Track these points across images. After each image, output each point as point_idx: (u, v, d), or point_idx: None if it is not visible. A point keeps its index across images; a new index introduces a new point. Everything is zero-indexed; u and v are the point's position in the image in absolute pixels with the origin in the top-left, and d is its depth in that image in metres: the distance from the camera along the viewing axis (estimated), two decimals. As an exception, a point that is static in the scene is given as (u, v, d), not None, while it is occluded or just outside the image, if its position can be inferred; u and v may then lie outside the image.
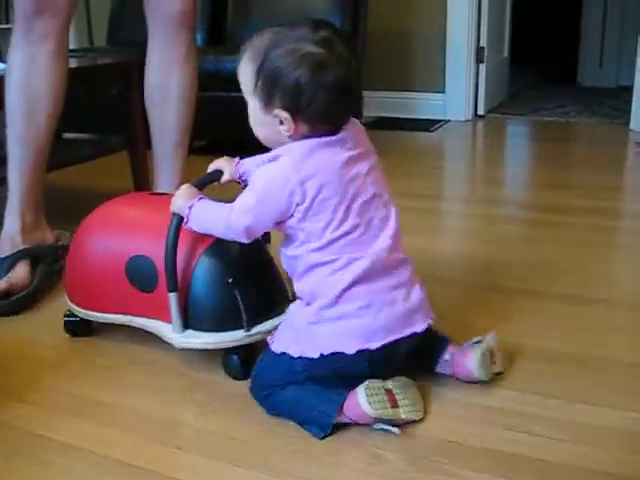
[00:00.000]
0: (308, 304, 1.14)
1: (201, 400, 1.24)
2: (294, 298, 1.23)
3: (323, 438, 1.11)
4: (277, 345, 1.17)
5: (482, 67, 3.94)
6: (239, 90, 1.15)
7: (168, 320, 1.29)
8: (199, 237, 1.27)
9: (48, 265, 1.71)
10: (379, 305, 1.11)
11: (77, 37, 4.33)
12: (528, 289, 1.67)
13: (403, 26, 3.91)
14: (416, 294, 1.17)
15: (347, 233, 1.10)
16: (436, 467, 1.05)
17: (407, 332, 1.13)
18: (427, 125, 3.77)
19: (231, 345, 1.28)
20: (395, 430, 1.10)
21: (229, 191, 1.28)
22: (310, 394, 1.14)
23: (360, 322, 1.11)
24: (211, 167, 1.32)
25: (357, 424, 1.13)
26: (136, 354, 1.42)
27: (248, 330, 1.26)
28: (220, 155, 1.35)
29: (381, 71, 3.88)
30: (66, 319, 1.47)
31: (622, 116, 3.75)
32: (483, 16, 3.86)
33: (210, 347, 1.28)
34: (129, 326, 1.38)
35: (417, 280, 1.20)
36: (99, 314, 1.40)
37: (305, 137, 1.10)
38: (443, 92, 3.94)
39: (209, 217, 1.19)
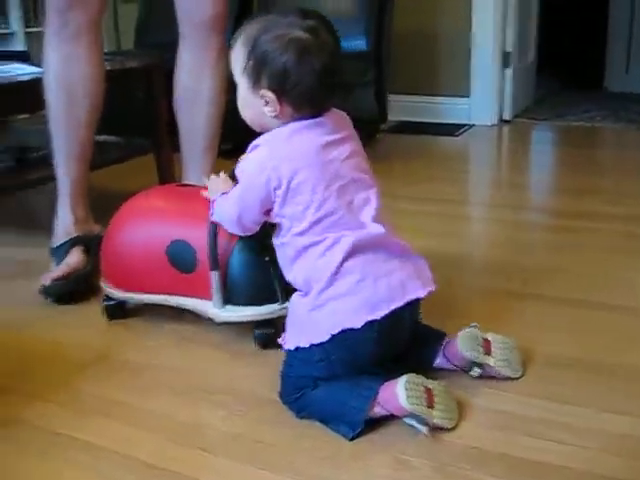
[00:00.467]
0: (306, 294, 1.17)
1: (227, 403, 1.24)
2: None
3: (352, 439, 1.11)
4: (289, 343, 1.19)
5: (508, 72, 3.92)
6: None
7: (208, 297, 1.40)
8: None
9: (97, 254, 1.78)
10: (375, 277, 1.14)
11: (105, 40, 4.37)
12: (549, 295, 1.66)
13: (428, 30, 3.90)
14: (412, 263, 1.20)
15: (329, 214, 1.14)
16: (461, 474, 1.04)
17: (408, 298, 1.16)
18: (452, 130, 3.76)
19: (267, 317, 1.40)
20: (424, 429, 1.10)
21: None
22: (340, 391, 1.15)
23: (361, 295, 1.13)
24: None
25: (384, 427, 1.13)
26: (162, 357, 1.43)
27: (282, 303, 1.36)
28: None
29: (406, 75, 3.87)
30: (105, 304, 1.57)
31: (649, 122, 3.72)
32: (509, 20, 3.83)
33: (247, 319, 1.41)
34: (162, 306, 1.49)
35: (411, 250, 1.22)
36: (137, 295, 1.51)
37: (289, 119, 1.16)
38: (468, 96, 3.92)
39: (225, 209, 1.27)
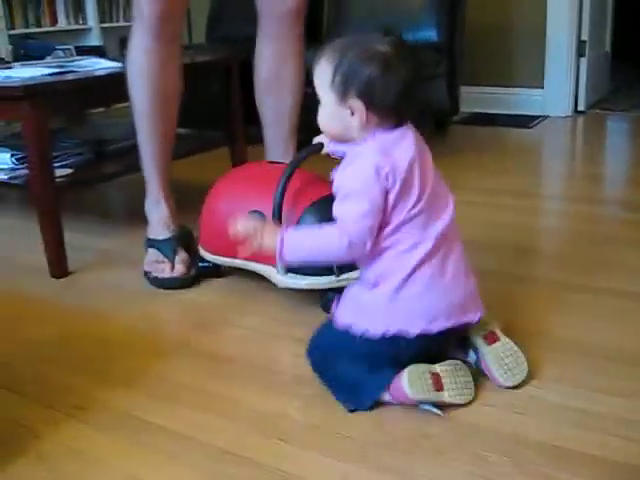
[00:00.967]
0: (374, 285, 1.18)
1: (305, 395, 1.25)
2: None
3: (352, 411, 1.18)
4: (342, 319, 1.22)
5: (583, 61, 3.83)
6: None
7: (274, 264, 1.53)
8: (303, 195, 1.53)
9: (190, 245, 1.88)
10: (439, 291, 1.17)
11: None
12: (620, 290, 1.62)
13: (502, 20, 3.83)
14: (470, 285, 1.22)
15: (415, 216, 1.15)
16: (540, 472, 1.03)
17: (464, 320, 1.20)
18: (525, 121, 3.69)
19: (324, 287, 1.51)
20: (438, 412, 1.16)
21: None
22: (359, 372, 1.20)
23: (424, 305, 1.17)
24: (315, 140, 1.43)
25: (459, 422, 1.12)
26: (241, 348, 1.45)
27: (338, 276, 1.47)
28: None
29: (478, 66, 3.82)
30: (200, 264, 1.77)
31: None
32: (585, 8, 3.74)
33: (306, 288, 1.53)
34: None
35: (471, 272, 1.24)
36: (223, 258, 1.68)
37: (374, 130, 1.17)
38: (542, 87, 3.84)
39: (310, 245, 1.19)
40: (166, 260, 1.77)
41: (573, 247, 1.94)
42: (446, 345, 1.26)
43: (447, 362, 1.20)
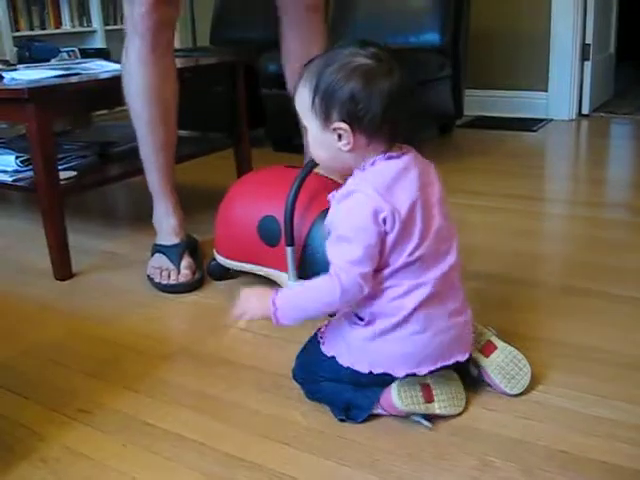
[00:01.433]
0: (368, 323, 1.13)
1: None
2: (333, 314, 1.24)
3: (343, 421, 1.17)
4: (328, 348, 1.19)
5: (587, 64, 3.82)
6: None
7: (286, 270, 1.55)
8: (316, 202, 1.51)
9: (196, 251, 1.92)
10: (434, 331, 1.12)
11: (182, 37, 4.46)
12: (625, 295, 1.61)
13: (506, 23, 3.83)
14: (465, 318, 1.18)
15: (414, 262, 1.09)
16: (547, 477, 1.02)
17: (453, 360, 1.15)
18: (529, 124, 3.69)
19: None
20: (427, 424, 1.14)
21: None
22: (346, 390, 1.17)
23: (414, 347, 1.12)
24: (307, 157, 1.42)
25: (464, 428, 1.11)
26: (247, 352, 1.45)
27: None
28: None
29: (482, 69, 3.82)
30: (212, 263, 1.78)
31: None
32: (589, 11, 3.74)
33: None
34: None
35: (467, 305, 1.19)
36: (233, 262, 1.69)
37: (365, 152, 1.09)
38: (546, 91, 3.84)
39: (303, 303, 1.13)
40: (172, 266, 1.78)
41: (577, 251, 1.94)
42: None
43: (438, 373, 1.16)
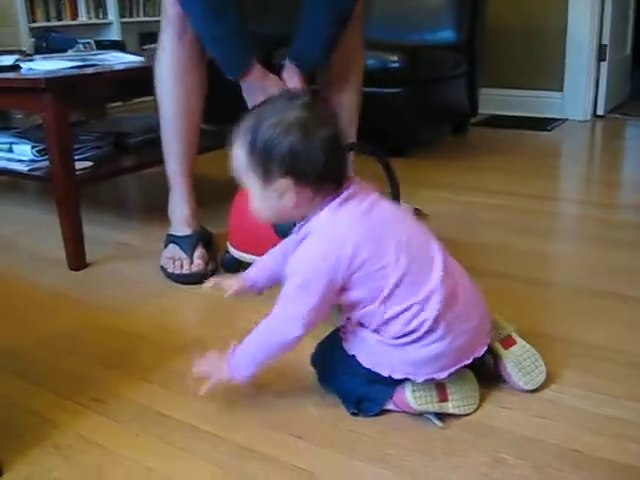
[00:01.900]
0: (393, 337, 1.13)
1: (323, 392, 1.24)
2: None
3: (355, 415, 1.17)
4: (350, 346, 1.18)
5: (603, 65, 3.81)
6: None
7: None
8: None
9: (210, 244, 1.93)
10: (453, 336, 1.11)
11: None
12: (638, 296, 1.62)
13: (522, 22, 3.82)
14: (482, 310, 1.18)
15: (404, 274, 1.08)
16: (559, 475, 1.02)
17: (471, 358, 1.15)
18: (544, 124, 3.68)
19: None
20: (438, 423, 1.14)
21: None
22: (361, 384, 1.16)
23: (436, 355, 1.11)
24: None
25: (474, 424, 1.12)
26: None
27: None
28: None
29: (498, 68, 3.81)
30: (226, 255, 1.78)
31: None
32: (606, 12, 3.72)
33: None
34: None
35: (482, 301, 1.19)
36: (247, 255, 1.69)
37: (311, 204, 1.09)
38: (561, 90, 3.82)
39: (261, 349, 1.17)
40: (184, 256, 1.79)
41: (590, 251, 1.93)
42: None
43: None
